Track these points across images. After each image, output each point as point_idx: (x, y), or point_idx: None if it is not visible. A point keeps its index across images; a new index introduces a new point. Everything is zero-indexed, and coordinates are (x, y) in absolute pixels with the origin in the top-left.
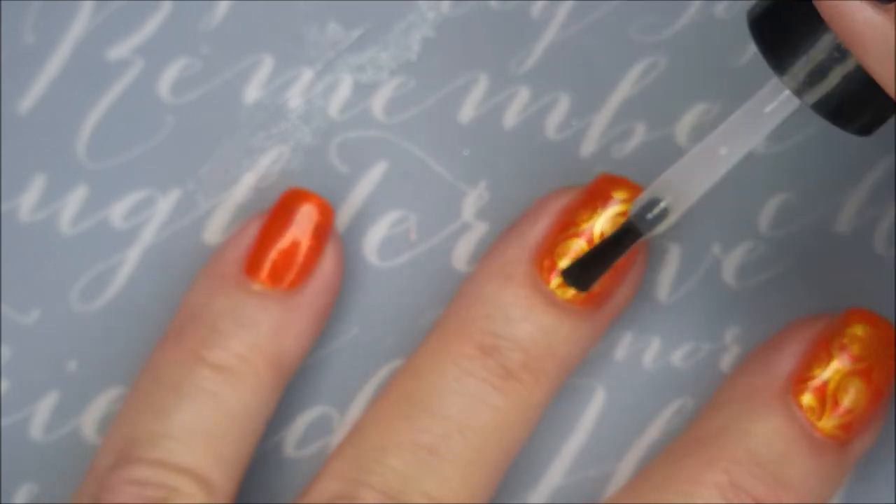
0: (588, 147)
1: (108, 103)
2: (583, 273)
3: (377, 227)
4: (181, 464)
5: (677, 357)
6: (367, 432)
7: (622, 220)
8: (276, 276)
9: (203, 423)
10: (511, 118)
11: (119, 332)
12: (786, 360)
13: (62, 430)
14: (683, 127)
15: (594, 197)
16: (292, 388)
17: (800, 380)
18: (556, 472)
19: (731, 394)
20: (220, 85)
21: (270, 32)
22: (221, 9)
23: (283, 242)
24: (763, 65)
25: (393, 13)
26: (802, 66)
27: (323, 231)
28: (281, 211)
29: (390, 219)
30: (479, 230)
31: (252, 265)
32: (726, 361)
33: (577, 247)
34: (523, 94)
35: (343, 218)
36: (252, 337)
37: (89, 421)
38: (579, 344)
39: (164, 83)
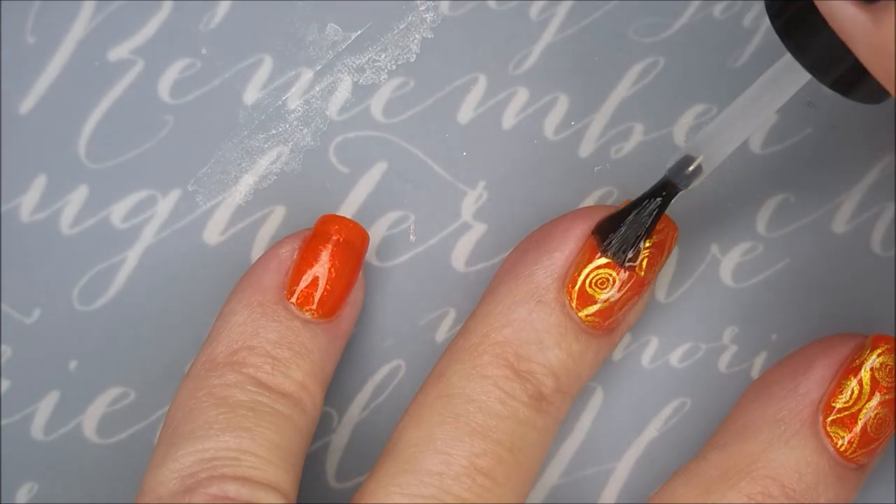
0: (587, 147)
1: (108, 104)
2: (624, 238)
3: (376, 227)
4: (269, 481)
5: (676, 357)
6: (422, 456)
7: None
8: (324, 307)
9: (285, 442)
10: (510, 118)
11: (119, 332)
12: (814, 387)
13: (63, 430)
14: (682, 127)
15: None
16: None
17: (829, 408)
18: (553, 472)
19: (760, 420)
20: (219, 85)
21: (270, 33)
22: (221, 9)
23: (326, 271)
24: (760, 65)
25: (392, 14)
26: (813, 50)
27: (361, 258)
28: (321, 238)
29: (389, 219)
30: (478, 230)
31: (302, 296)
32: (724, 361)
33: (608, 277)
34: (522, 95)
35: None
36: (308, 365)
37: (90, 420)
38: (598, 365)
39: (164, 84)
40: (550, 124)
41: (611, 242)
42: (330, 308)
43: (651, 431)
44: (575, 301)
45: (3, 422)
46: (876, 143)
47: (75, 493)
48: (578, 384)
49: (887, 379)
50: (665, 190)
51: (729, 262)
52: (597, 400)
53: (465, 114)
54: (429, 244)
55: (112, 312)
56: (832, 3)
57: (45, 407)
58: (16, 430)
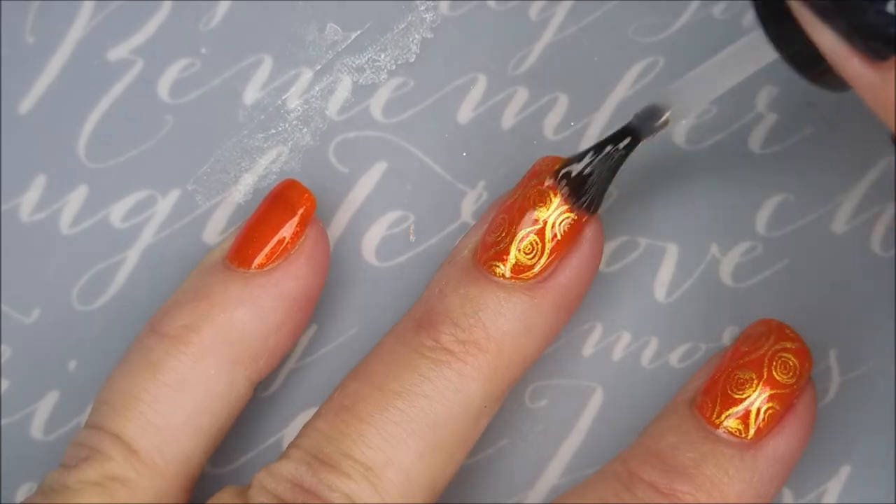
0: (586, 147)
1: (108, 103)
2: (581, 181)
3: (376, 227)
4: (110, 428)
5: (676, 357)
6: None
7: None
8: (240, 253)
9: (134, 391)
10: (509, 118)
11: (119, 332)
12: (699, 378)
13: (62, 430)
14: (681, 127)
15: (530, 176)
16: (292, 388)
17: (703, 388)
18: (553, 472)
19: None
20: (219, 85)
21: (270, 33)
22: (221, 9)
23: (253, 223)
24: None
25: (392, 14)
26: (794, 44)
27: (288, 210)
28: (264, 200)
29: (389, 219)
30: None
31: (230, 249)
32: None
33: (520, 232)
34: (522, 95)
35: (342, 218)
36: (205, 307)
37: None
38: (514, 318)
39: (164, 83)
40: (550, 124)
41: (567, 185)
42: (244, 254)
43: None
44: (480, 253)
45: (3, 422)
46: (876, 143)
47: None
48: (484, 333)
49: (746, 346)
50: (629, 136)
51: (729, 262)
52: (597, 400)
53: (465, 114)
54: (429, 244)
55: (112, 312)
56: (840, 57)
57: (45, 407)
58: (15, 430)
